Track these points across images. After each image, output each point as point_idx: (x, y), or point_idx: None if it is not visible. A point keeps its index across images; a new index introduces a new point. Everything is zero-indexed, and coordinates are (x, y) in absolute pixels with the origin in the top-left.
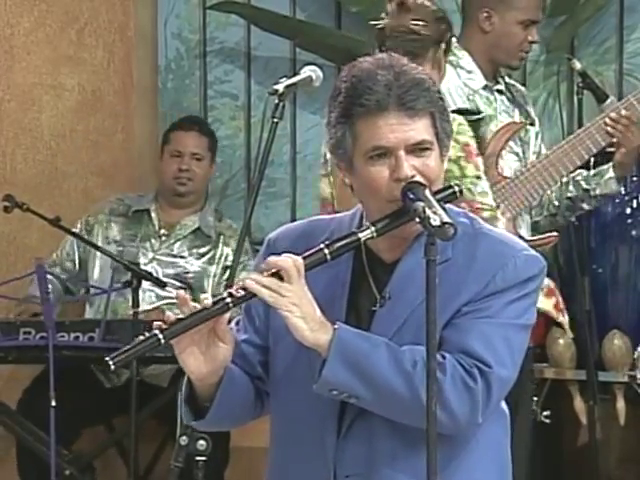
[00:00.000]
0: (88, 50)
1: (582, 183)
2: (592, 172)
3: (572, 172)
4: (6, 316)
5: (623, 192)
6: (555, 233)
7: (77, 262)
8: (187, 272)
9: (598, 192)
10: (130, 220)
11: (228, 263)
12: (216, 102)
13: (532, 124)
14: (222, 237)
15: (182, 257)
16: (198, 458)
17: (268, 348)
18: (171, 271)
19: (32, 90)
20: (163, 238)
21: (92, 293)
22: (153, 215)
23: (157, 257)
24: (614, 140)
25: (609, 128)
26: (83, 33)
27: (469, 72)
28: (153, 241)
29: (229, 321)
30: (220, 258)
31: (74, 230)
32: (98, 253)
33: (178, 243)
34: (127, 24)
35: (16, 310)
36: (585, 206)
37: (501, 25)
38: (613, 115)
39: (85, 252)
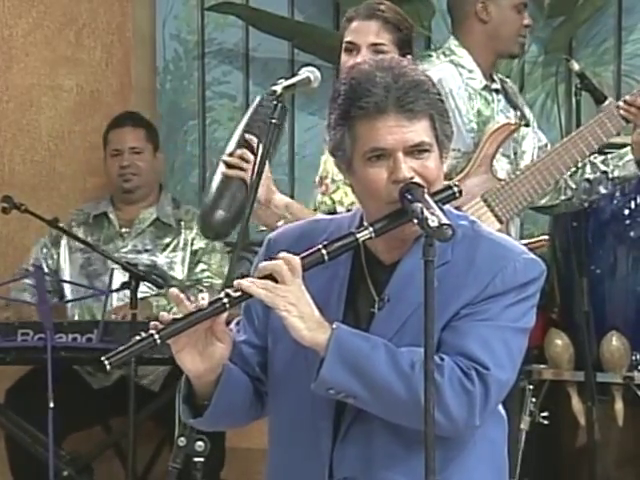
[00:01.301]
0: (86, 51)
1: (600, 165)
2: (610, 155)
3: (565, 174)
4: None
5: (620, 193)
6: (546, 237)
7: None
8: (155, 265)
9: (616, 174)
10: (91, 226)
11: (195, 247)
12: (214, 103)
13: (527, 125)
14: (182, 223)
15: (147, 251)
16: (196, 459)
17: (267, 349)
18: (140, 267)
19: (30, 91)
20: (125, 236)
21: (90, 294)
22: (111, 216)
23: (123, 256)
24: (608, 141)
25: (622, 111)
26: (81, 34)
27: (470, 71)
28: (116, 241)
29: (229, 322)
30: (186, 244)
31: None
32: (65, 262)
33: (140, 237)
34: (125, 25)
35: (4, 314)
36: (602, 189)
37: (498, 12)
38: (628, 98)
39: (53, 262)
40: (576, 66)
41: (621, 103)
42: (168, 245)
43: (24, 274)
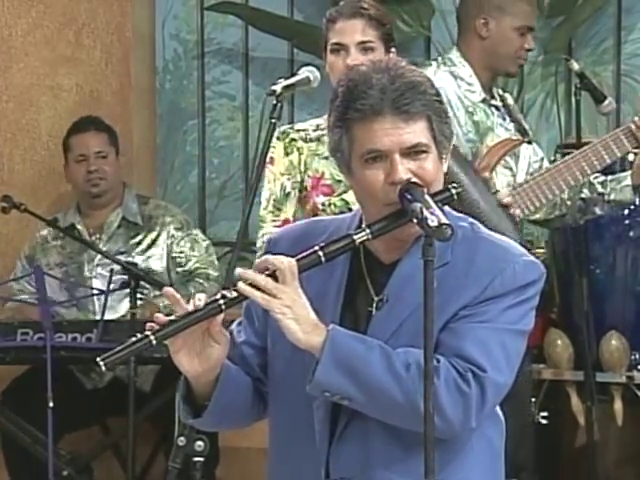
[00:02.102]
0: (86, 51)
1: (597, 187)
2: (609, 177)
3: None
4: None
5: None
6: None
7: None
8: (135, 265)
9: (612, 197)
10: (65, 240)
11: (177, 242)
12: (214, 103)
13: (529, 142)
14: (153, 219)
15: (122, 253)
16: (196, 459)
17: (267, 350)
18: (120, 270)
19: (30, 91)
20: (97, 242)
21: (89, 294)
22: (79, 227)
23: (99, 263)
24: (622, 155)
25: (633, 126)
26: (81, 34)
27: (469, 84)
28: (89, 250)
29: (231, 322)
30: (163, 241)
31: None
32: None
33: (112, 241)
34: (125, 25)
35: (5, 314)
36: (597, 210)
37: (498, 31)
38: None
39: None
40: (576, 66)
41: (632, 125)
42: (140, 243)
43: (24, 274)
